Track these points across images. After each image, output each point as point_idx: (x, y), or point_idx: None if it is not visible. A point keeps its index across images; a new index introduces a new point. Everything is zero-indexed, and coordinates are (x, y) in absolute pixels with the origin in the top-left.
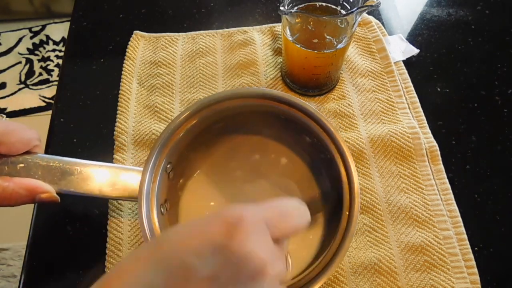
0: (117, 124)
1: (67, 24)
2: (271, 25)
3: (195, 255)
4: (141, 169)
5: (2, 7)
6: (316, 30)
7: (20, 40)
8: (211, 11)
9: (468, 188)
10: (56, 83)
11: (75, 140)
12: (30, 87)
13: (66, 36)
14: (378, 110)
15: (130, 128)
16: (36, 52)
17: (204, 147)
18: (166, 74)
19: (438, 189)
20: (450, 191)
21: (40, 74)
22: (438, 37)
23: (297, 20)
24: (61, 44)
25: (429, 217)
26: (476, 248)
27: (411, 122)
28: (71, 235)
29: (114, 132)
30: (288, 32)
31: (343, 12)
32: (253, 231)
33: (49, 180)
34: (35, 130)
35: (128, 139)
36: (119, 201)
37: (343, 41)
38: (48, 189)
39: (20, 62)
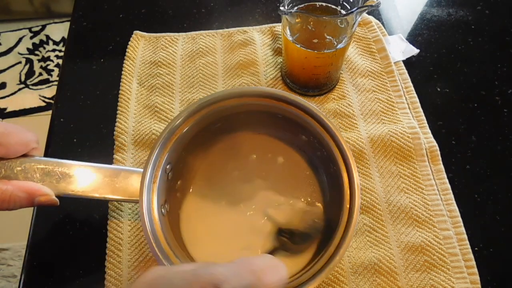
0: (117, 124)
1: (67, 24)
2: (271, 25)
3: None
4: (141, 170)
5: (2, 7)
6: (316, 30)
7: (20, 40)
8: (211, 11)
9: (468, 188)
10: (56, 83)
11: (75, 140)
12: (30, 87)
13: (66, 36)
14: (378, 110)
15: (130, 128)
16: (36, 52)
17: (203, 147)
18: (166, 74)
19: (438, 189)
20: (450, 191)
21: (40, 74)
22: (438, 37)
23: (297, 20)
24: (61, 44)
25: (429, 217)
26: (476, 248)
27: (411, 122)
28: (71, 235)
29: (114, 132)
30: (288, 32)
31: (343, 12)
32: None
33: (47, 183)
34: (33, 132)
35: (128, 139)
36: (119, 202)
37: (343, 41)
38: (47, 192)
39: (20, 62)
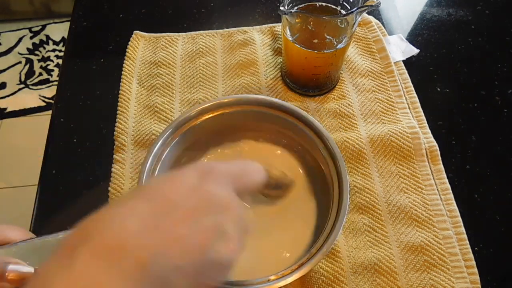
0: (117, 124)
1: (67, 24)
2: (271, 25)
3: (177, 194)
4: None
5: (2, 7)
6: (316, 30)
7: (20, 40)
8: (211, 11)
9: (468, 188)
10: (56, 83)
11: (75, 140)
12: (30, 87)
13: (66, 36)
14: (378, 110)
15: (130, 128)
16: (36, 52)
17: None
18: (166, 74)
19: (438, 189)
20: (450, 191)
21: (40, 74)
22: (438, 37)
23: (297, 20)
24: (61, 44)
25: (429, 217)
26: (476, 248)
27: (411, 122)
28: None
29: (114, 132)
30: (288, 32)
31: (343, 12)
32: (220, 179)
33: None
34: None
35: (128, 139)
36: None
37: (343, 41)
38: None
39: (20, 62)
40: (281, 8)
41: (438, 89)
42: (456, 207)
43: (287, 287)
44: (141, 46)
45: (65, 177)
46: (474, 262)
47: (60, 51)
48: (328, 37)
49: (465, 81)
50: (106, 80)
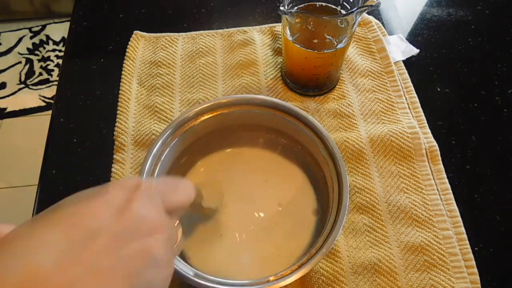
0: (117, 124)
1: (67, 24)
2: (271, 25)
3: (99, 218)
4: None
5: (2, 7)
6: (316, 30)
7: (20, 40)
8: (211, 11)
9: (468, 188)
10: (56, 83)
11: (75, 140)
12: (30, 87)
13: (66, 36)
14: (378, 110)
15: (130, 128)
16: (36, 52)
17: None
18: (166, 74)
19: (438, 189)
20: (450, 191)
21: (40, 74)
22: (438, 37)
23: (297, 20)
24: (61, 44)
25: (429, 217)
26: (476, 248)
27: (411, 122)
28: None
29: (114, 132)
30: (288, 32)
31: (343, 12)
32: (148, 198)
33: None
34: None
35: (128, 139)
36: None
37: (343, 41)
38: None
39: (20, 62)
40: (281, 8)
41: (438, 89)
42: (456, 207)
43: (287, 287)
44: (141, 46)
45: (65, 177)
46: (474, 262)
47: (60, 51)
48: (328, 37)
49: (465, 81)
50: (106, 80)
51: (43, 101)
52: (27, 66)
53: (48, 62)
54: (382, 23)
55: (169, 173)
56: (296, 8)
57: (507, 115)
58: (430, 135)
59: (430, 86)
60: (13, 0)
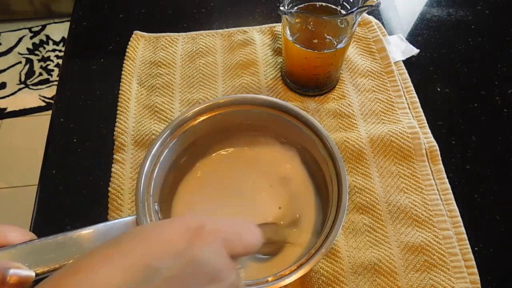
0: (117, 124)
1: (67, 24)
2: (271, 25)
3: (158, 259)
4: (133, 217)
5: (2, 7)
6: (316, 30)
7: (20, 40)
8: (211, 11)
9: (468, 188)
10: (56, 83)
11: (75, 140)
12: (30, 87)
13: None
14: (378, 110)
15: (130, 128)
16: (36, 52)
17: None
18: (166, 74)
19: (438, 189)
20: (450, 191)
21: (40, 74)
22: (438, 37)
23: (297, 20)
24: (61, 44)
25: (429, 217)
26: (476, 248)
27: (411, 122)
28: None
29: (114, 132)
30: (288, 32)
31: (343, 12)
32: (211, 241)
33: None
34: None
35: (128, 139)
36: (119, 202)
37: (343, 41)
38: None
39: (20, 62)
40: (281, 8)
41: (438, 89)
42: (456, 207)
43: (287, 287)
44: (141, 46)
45: (65, 177)
46: (474, 262)
47: (60, 51)
48: (328, 37)
49: (465, 81)
50: (106, 80)
51: (43, 101)
52: (27, 66)
53: (48, 62)
54: (382, 23)
55: (168, 173)
56: (296, 8)
57: (507, 115)
58: (430, 135)
59: (430, 86)
60: (13, 0)
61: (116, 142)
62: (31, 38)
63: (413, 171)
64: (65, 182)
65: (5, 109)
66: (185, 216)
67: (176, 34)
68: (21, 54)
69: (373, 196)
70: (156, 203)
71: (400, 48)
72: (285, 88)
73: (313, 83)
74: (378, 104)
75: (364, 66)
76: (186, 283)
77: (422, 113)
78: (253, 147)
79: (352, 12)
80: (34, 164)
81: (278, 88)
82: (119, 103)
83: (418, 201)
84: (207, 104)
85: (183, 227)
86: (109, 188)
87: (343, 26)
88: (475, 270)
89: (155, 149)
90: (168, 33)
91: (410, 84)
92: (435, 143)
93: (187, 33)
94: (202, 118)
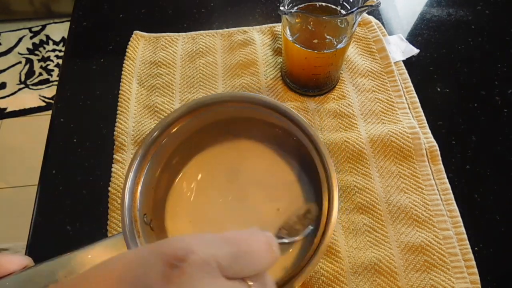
0: (117, 124)
1: (67, 24)
2: (271, 25)
3: None
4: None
5: (2, 7)
6: (316, 30)
7: (20, 40)
8: (211, 11)
9: (468, 188)
10: (56, 83)
11: (75, 140)
12: (30, 87)
13: (66, 36)
14: (378, 110)
15: (130, 128)
16: (36, 52)
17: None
18: (166, 74)
19: (438, 189)
20: (450, 191)
21: (40, 74)
22: (438, 37)
23: (297, 20)
24: (61, 44)
25: (429, 217)
26: (476, 248)
27: (411, 122)
28: (71, 235)
29: (114, 132)
30: (288, 32)
31: (343, 12)
32: (198, 274)
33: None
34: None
35: (128, 139)
36: (119, 201)
37: (343, 41)
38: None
39: (20, 62)
40: (281, 8)
41: (438, 89)
42: (456, 207)
43: None
44: (141, 46)
45: (65, 177)
46: (474, 262)
47: (60, 51)
48: (328, 37)
49: (465, 81)
50: (106, 80)
51: (43, 101)
52: (27, 66)
53: (48, 62)
54: (382, 23)
55: (161, 173)
56: (296, 8)
57: (507, 115)
58: (430, 135)
59: (430, 86)
60: (13, 0)
61: (116, 142)
62: (31, 38)
63: (413, 171)
64: (65, 182)
65: (5, 109)
66: (169, 241)
67: (176, 34)
68: (21, 54)
69: (373, 196)
70: (145, 215)
71: (400, 48)
72: (285, 88)
73: (313, 83)
74: (378, 104)
75: (364, 66)
76: None
77: (422, 113)
78: (252, 146)
79: (352, 12)
80: (34, 164)
81: (278, 88)
82: (119, 103)
83: (418, 201)
84: (193, 103)
85: (161, 259)
86: (109, 188)
87: (343, 26)
88: (475, 270)
89: (144, 148)
90: (168, 33)
91: (410, 84)
92: (435, 143)
93: (187, 33)
94: (190, 119)
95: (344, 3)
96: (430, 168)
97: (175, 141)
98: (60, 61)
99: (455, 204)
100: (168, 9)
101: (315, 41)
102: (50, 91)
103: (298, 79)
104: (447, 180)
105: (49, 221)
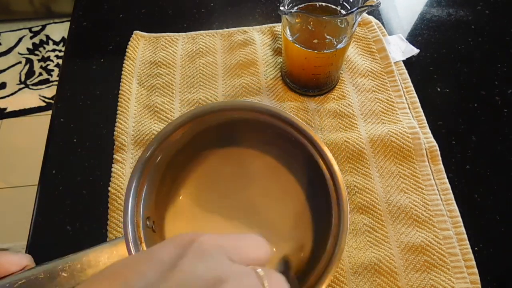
0: (117, 124)
1: (67, 24)
2: (271, 25)
3: (143, 277)
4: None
5: (2, 7)
6: (316, 30)
7: (20, 40)
8: (211, 11)
9: (468, 188)
10: (56, 83)
11: (75, 140)
12: (30, 87)
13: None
14: (378, 110)
15: (130, 128)
16: (36, 52)
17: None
18: (166, 74)
19: (438, 189)
20: (450, 191)
21: (40, 74)
22: (438, 37)
23: (297, 20)
24: (61, 44)
25: (429, 217)
26: (476, 248)
27: (411, 122)
28: (71, 235)
29: (114, 132)
30: (288, 32)
31: (343, 12)
32: (205, 251)
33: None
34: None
35: (128, 139)
36: (119, 201)
37: (343, 41)
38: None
39: (20, 62)
40: (281, 8)
41: (438, 89)
42: (456, 207)
43: None
44: (141, 46)
45: (65, 177)
46: (474, 262)
47: (60, 51)
48: (328, 37)
49: (465, 81)
50: (106, 80)
51: (43, 101)
52: (27, 66)
53: (48, 62)
54: (382, 23)
55: (163, 178)
56: (296, 8)
57: (507, 115)
58: (430, 135)
59: (430, 86)
60: (13, 0)
61: (116, 142)
62: (31, 38)
63: (413, 171)
64: (65, 182)
65: (5, 109)
66: (178, 235)
67: (176, 34)
68: (21, 54)
69: (373, 196)
70: (148, 218)
71: (400, 48)
72: (285, 88)
73: (313, 83)
74: (378, 104)
75: (364, 66)
76: None
77: (422, 113)
78: (253, 154)
79: (352, 12)
80: (34, 164)
81: (278, 88)
82: (119, 103)
83: (418, 201)
84: (200, 109)
85: (174, 244)
86: (109, 188)
87: (343, 26)
88: (475, 270)
89: (147, 154)
90: (168, 33)
91: (410, 84)
92: (435, 143)
93: (187, 33)
94: (191, 125)
95: (344, 3)
96: (430, 168)
97: (178, 145)
98: (60, 61)
99: (455, 204)
100: (168, 9)
101: (315, 41)
102: (50, 91)
103: (298, 79)
104: (447, 180)
105: (49, 221)
